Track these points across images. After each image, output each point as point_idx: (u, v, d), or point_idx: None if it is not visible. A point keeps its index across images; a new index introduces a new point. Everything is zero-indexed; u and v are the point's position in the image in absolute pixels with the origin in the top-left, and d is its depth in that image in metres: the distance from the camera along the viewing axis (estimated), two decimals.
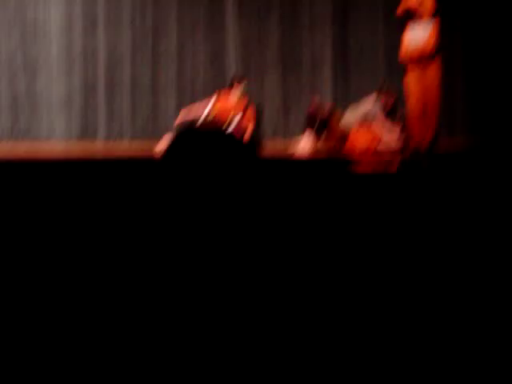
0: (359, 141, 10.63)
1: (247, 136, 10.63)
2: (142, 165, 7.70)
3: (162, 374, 1.51)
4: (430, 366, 1.77)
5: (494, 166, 6.87)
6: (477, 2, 11.95)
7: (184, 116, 10.56)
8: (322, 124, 10.63)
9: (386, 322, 1.89)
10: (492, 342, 1.98)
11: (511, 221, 3.43)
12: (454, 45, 11.99)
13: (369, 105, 10.80)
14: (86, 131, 11.90)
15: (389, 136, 10.61)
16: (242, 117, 10.68)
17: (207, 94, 12.03)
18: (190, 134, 1.59)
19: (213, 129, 1.66)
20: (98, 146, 11.34)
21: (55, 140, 11.75)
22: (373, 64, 12.25)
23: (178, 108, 11.93)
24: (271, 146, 10.43)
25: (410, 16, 9.52)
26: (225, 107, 10.64)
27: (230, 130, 10.47)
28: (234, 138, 1.60)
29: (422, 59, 9.57)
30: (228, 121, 10.57)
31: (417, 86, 9.63)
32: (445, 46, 10.25)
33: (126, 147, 11.07)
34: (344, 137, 10.56)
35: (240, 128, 10.58)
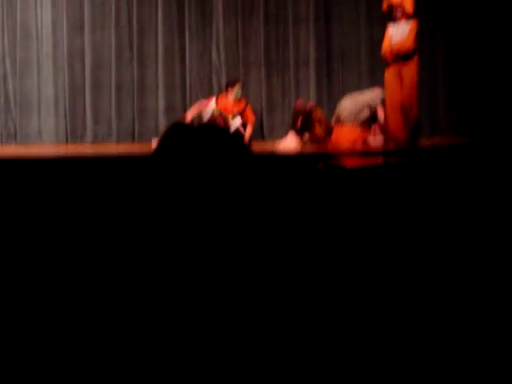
0: (344, 136, 10.64)
1: (247, 135, 10.67)
2: (132, 161, 7.67)
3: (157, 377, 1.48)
4: (427, 366, 1.74)
5: (476, 162, 6.85)
6: (458, 2, 11.98)
7: (191, 114, 10.62)
8: (305, 119, 10.67)
9: (381, 322, 1.85)
10: (488, 346, 1.96)
11: (494, 219, 3.39)
12: (436, 46, 12.01)
13: (371, 96, 10.81)
14: (74, 133, 11.86)
15: (378, 137, 10.64)
16: (242, 117, 10.75)
17: (194, 95, 12.02)
18: (181, 129, 1.55)
19: (207, 124, 1.62)
20: (86, 148, 11.28)
21: (43, 142, 11.71)
22: (356, 62, 12.26)
23: (165, 109, 11.91)
24: (257, 145, 10.43)
25: (393, 12, 9.57)
26: (224, 109, 10.67)
27: (232, 130, 10.51)
28: (229, 134, 1.56)
29: (401, 56, 9.64)
30: (229, 121, 10.63)
31: (395, 82, 9.70)
32: (426, 47, 10.31)
33: (113, 149, 11.02)
34: (328, 131, 10.58)
35: (239, 128, 10.64)
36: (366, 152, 9.63)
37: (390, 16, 9.72)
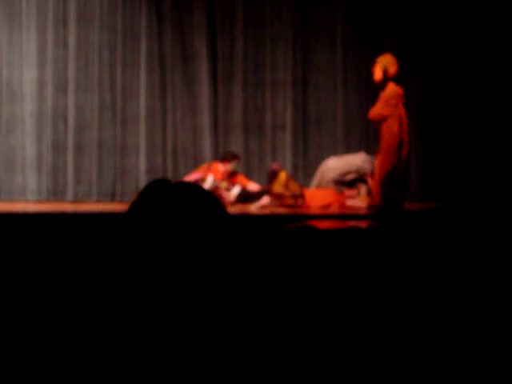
0: (319, 199, 10.71)
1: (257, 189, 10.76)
2: (109, 218, 7.68)
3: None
4: None
5: (447, 227, 6.94)
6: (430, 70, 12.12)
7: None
8: (270, 176, 10.79)
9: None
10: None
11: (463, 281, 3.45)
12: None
13: (360, 160, 10.90)
14: (56, 191, 11.84)
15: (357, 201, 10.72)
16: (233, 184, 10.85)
17: (175, 157, 12.05)
18: (160, 185, 1.59)
19: (185, 182, 1.65)
20: (67, 207, 11.23)
21: (27, 199, 11.68)
22: (332, 128, 12.32)
23: (146, 170, 11.92)
24: (234, 207, 10.47)
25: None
26: (217, 177, 10.75)
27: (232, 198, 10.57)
28: (205, 192, 1.60)
29: (374, 122, 9.77)
30: (227, 191, 10.70)
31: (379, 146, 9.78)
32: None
33: (92, 207, 10.99)
34: (299, 193, 10.63)
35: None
36: (339, 215, 9.67)
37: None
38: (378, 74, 9.52)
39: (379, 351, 2.29)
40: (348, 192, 10.92)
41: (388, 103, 9.50)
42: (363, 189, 10.90)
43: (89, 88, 11.94)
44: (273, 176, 10.78)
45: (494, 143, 11.63)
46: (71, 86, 11.88)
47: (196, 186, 1.59)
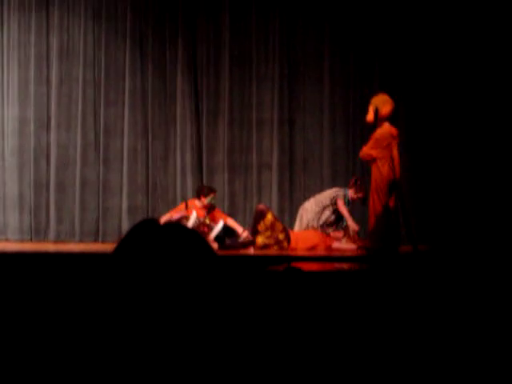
0: (306, 240, 10.71)
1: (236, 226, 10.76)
2: (93, 258, 7.64)
3: None
4: None
5: (436, 269, 6.94)
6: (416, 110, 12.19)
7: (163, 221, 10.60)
8: (257, 217, 10.79)
9: None
10: None
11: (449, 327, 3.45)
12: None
13: (330, 193, 10.94)
14: (38, 231, 11.78)
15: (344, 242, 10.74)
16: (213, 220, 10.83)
17: (156, 196, 12.03)
18: (148, 226, 1.58)
19: (173, 223, 1.64)
20: (48, 246, 11.17)
21: (8, 238, 11.61)
22: (318, 168, 12.34)
23: (129, 209, 11.89)
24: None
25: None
26: (200, 214, 10.75)
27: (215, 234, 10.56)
28: (192, 232, 1.59)
29: (365, 161, 9.84)
30: (211, 226, 10.70)
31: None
32: None
33: (75, 247, 10.94)
34: (284, 238, 10.63)
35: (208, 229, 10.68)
36: (326, 257, 9.65)
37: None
38: (369, 114, 9.53)
39: None
40: (334, 234, 10.94)
41: (378, 144, 9.51)
42: (351, 230, 10.92)
43: (72, 126, 11.93)
44: (259, 217, 10.78)
45: (485, 184, 11.68)
46: (54, 124, 11.85)
47: (183, 227, 1.58)
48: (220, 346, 1.52)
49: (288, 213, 12.04)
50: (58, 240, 11.69)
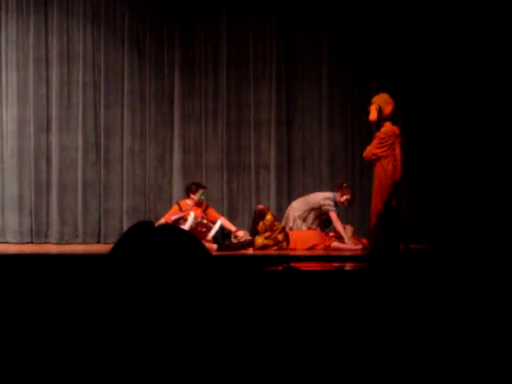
0: (305, 240, 10.71)
1: (229, 226, 10.75)
2: (90, 259, 7.65)
3: None
4: None
5: (438, 268, 6.94)
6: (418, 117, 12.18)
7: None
8: (257, 216, 10.80)
9: None
10: None
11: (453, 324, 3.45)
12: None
13: (321, 197, 10.94)
14: (39, 233, 11.76)
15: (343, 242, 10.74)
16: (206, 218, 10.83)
17: (155, 196, 12.03)
18: (143, 228, 1.58)
19: (168, 225, 1.65)
20: (50, 248, 11.17)
21: (7, 241, 11.59)
22: (317, 168, 12.33)
23: (128, 210, 11.89)
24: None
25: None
26: (198, 215, 10.74)
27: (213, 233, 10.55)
28: (187, 234, 1.60)
29: (367, 161, 9.86)
30: (209, 226, 10.69)
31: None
32: None
33: (77, 248, 10.94)
34: (283, 239, 10.64)
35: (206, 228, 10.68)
36: (325, 257, 9.66)
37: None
38: (373, 113, 9.60)
39: None
40: (334, 233, 10.94)
41: (383, 143, 9.57)
42: (349, 230, 10.92)
43: (72, 127, 11.91)
44: (258, 217, 10.79)
45: (486, 183, 11.67)
46: (54, 125, 11.82)
47: (178, 229, 1.59)
48: (217, 347, 1.52)
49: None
50: (61, 242, 11.66)
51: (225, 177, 12.19)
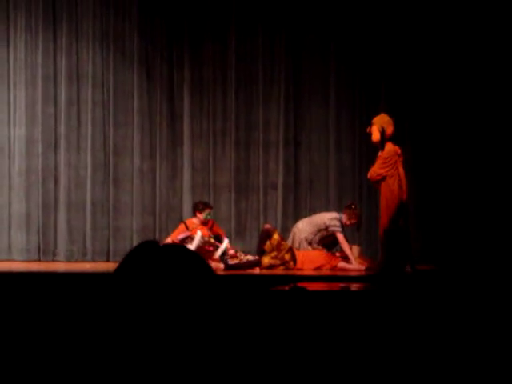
0: (312, 260, 10.69)
1: (228, 246, 10.70)
2: (96, 278, 7.64)
3: None
4: None
5: (442, 289, 6.92)
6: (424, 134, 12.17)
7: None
8: (264, 236, 10.79)
9: None
10: None
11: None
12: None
13: (328, 217, 10.92)
14: (46, 251, 11.72)
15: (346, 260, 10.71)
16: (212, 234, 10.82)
17: (165, 215, 12.03)
18: (148, 247, 1.58)
19: (173, 244, 1.64)
20: (58, 266, 11.15)
21: (14, 259, 11.54)
22: (324, 188, 12.32)
23: (138, 229, 11.88)
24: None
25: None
26: (205, 233, 10.73)
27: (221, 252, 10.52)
28: (192, 253, 1.59)
29: (372, 182, 9.90)
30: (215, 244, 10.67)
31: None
32: None
33: (86, 267, 10.92)
34: (289, 259, 10.61)
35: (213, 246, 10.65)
36: (331, 277, 9.64)
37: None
38: (375, 134, 9.66)
39: None
40: (340, 253, 10.91)
41: (387, 163, 9.61)
42: (355, 250, 10.90)
43: (81, 146, 11.93)
44: (265, 237, 10.77)
45: (491, 205, 11.64)
46: (63, 144, 11.83)
47: (183, 248, 1.58)
48: (223, 367, 1.52)
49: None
50: (69, 260, 11.65)
51: (233, 196, 12.19)
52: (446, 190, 11.90)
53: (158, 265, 1.52)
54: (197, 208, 11.03)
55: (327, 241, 10.97)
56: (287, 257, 10.58)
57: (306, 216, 11.74)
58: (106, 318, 1.51)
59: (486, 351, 3.31)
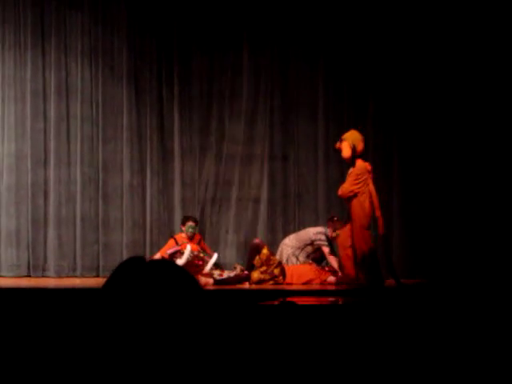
0: (301, 274, 10.68)
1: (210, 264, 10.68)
2: (85, 293, 7.61)
3: None
4: None
5: (431, 302, 6.92)
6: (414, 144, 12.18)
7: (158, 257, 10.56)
8: (253, 251, 10.78)
9: None
10: None
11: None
12: (391, 195, 12.11)
13: (313, 232, 10.94)
14: (36, 267, 11.68)
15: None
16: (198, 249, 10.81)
17: (155, 230, 12.02)
18: (134, 263, 1.57)
19: (159, 260, 1.64)
20: (48, 282, 11.12)
21: (3, 275, 11.49)
22: (312, 202, 12.29)
23: (128, 244, 11.86)
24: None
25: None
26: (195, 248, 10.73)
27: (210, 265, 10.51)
28: (179, 269, 1.59)
29: (344, 198, 9.97)
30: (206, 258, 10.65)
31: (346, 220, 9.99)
32: (384, 196, 10.47)
33: (75, 283, 10.90)
34: (279, 273, 10.60)
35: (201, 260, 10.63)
36: (321, 291, 9.63)
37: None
38: (346, 151, 9.79)
39: None
40: (329, 268, 10.90)
41: (358, 179, 9.70)
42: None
43: (71, 162, 11.88)
44: (254, 252, 10.76)
45: (481, 218, 11.64)
46: (52, 160, 11.79)
47: (169, 263, 1.58)
48: (213, 382, 1.51)
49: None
50: (59, 275, 11.60)
51: (221, 210, 12.18)
52: (435, 203, 11.90)
53: (144, 281, 1.51)
54: (181, 223, 11.11)
55: (316, 255, 10.98)
56: (276, 271, 10.56)
57: (294, 230, 11.75)
58: (94, 333, 1.50)
59: (477, 363, 3.31)
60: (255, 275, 10.52)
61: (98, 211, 11.91)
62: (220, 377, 1.55)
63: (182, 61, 12.21)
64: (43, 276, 11.64)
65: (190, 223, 10.97)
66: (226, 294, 8.38)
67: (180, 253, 10.52)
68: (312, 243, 10.90)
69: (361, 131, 10.21)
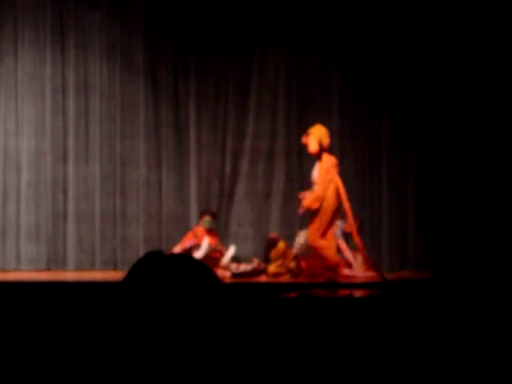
0: (317, 265, 10.66)
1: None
2: (104, 286, 7.62)
3: None
4: None
5: (443, 295, 6.88)
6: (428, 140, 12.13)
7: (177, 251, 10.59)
8: (269, 245, 10.77)
9: None
10: None
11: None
12: (407, 190, 12.09)
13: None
14: (55, 261, 11.73)
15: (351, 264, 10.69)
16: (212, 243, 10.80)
17: (172, 224, 12.02)
18: (153, 257, 1.55)
19: (179, 254, 1.61)
20: (67, 276, 11.16)
21: (23, 269, 11.53)
22: None
23: (145, 239, 11.88)
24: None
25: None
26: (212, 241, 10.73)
27: (228, 259, 10.52)
28: (198, 263, 1.56)
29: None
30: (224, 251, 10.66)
31: None
32: (398, 194, 10.44)
33: (95, 276, 10.93)
34: (295, 267, 10.59)
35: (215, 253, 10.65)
36: (337, 284, 9.61)
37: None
38: (314, 146, 9.85)
39: None
40: (344, 261, 10.88)
41: (328, 173, 9.66)
42: (359, 258, 10.86)
43: (90, 158, 11.95)
44: (270, 245, 10.75)
45: (493, 212, 11.58)
46: (71, 156, 11.86)
47: (188, 258, 1.55)
48: (232, 376, 1.49)
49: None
50: (79, 269, 11.63)
51: (240, 204, 12.16)
52: (451, 202, 11.84)
53: (162, 275, 1.49)
54: (199, 215, 11.14)
55: None
56: (292, 265, 10.54)
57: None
58: (113, 326, 1.48)
59: (488, 356, 3.27)
60: (271, 268, 10.51)
61: (115, 206, 11.93)
62: (240, 369, 1.52)
63: (197, 57, 12.22)
64: (62, 269, 11.68)
65: (207, 217, 10.98)
66: (244, 288, 8.37)
67: (198, 246, 10.52)
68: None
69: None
